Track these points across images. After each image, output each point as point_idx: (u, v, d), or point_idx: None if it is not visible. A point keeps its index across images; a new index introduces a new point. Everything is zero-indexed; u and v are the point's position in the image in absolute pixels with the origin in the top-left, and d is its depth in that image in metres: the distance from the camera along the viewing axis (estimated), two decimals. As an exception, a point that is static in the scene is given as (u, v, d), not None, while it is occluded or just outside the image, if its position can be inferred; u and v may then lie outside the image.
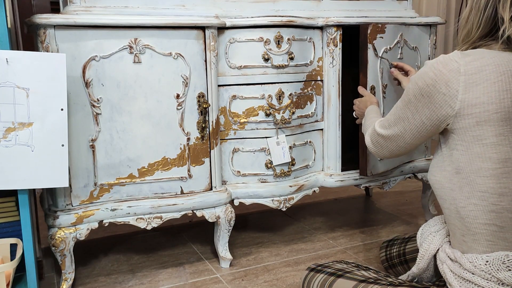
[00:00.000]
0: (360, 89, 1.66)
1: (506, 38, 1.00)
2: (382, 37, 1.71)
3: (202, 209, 1.58)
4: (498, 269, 0.96)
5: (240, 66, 1.58)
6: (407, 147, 1.17)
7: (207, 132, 1.56)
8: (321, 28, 1.71)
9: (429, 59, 1.91)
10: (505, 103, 0.96)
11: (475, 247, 1.02)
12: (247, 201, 1.66)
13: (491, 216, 0.99)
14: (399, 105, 1.14)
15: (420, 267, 1.16)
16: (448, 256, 1.08)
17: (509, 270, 0.96)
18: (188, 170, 1.55)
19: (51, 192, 1.46)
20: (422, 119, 1.07)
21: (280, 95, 1.62)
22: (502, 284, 0.96)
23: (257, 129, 1.63)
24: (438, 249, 1.13)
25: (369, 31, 1.65)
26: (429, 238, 1.17)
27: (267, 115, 1.62)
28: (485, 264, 0.98)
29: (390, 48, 1.74)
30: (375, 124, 1.27)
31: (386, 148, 1.22)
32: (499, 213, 0.99)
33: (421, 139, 1.13)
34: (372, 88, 1.70)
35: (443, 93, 1.00)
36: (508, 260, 0.96)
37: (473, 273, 1.00)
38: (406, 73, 1.67)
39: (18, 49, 1.73)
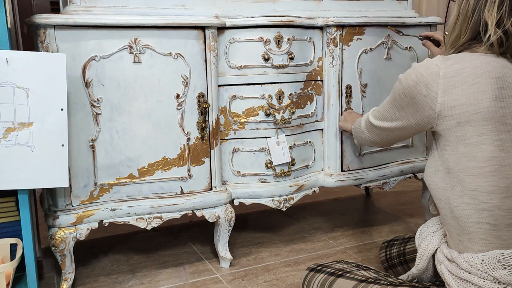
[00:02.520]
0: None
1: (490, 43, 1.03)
2: (361, 39, 1.74)
3: (202, 209, 1.58)
4: (493, 268, 0.97)
5: (240, 66, 1.58)
6: (397, 139, 1.25)
7: (207, 132, 1.56)
8: (321, 28, 1.71)
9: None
10: (484, 103, 0.99)
11: (470, 247, 1.03)
12: (247, 201, 1.66)
13: (483, 215, 1.00)
14: (389, 100, 1.18)
15: (419, 268, 1.16)
16: (446, 257, 1.08)
17: (505, 268, 0.96)
18: (188, 170, 1.55)
19: (51, 192, 1.46)
20: (408, 117, 1.12)
21: (280, 95, 1.62)
22: (498, 282, 0.96)
23: (257, 129, 1.63)
24: (436, 250, 1.14)
25: (344, 33, 1.70)
26: (427, 239, 1.17)
27: (267, 115, 1.62)
28: (481, 263, 0.99)
29: (371, 48, 1.77)
30: (369, 112, 1.32)
31: (378, 136, 1.28)
32: (490, 211, 1.00)
33: (409, 134, 1.19)
34: (348, 87, 1.74)
35: (424, 95, 1.04)
36: (504, 259, 0.97)
37: (469, 273, 1.00)
38: (437, 42, 1.63)
39: (18, 49, 1.73)
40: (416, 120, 1.10)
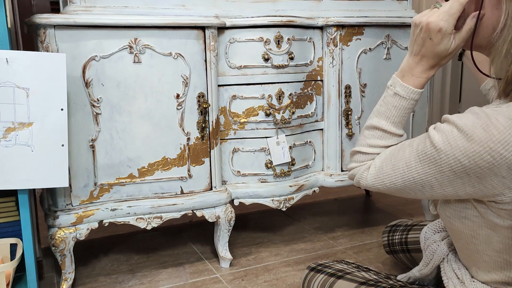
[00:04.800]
0: None
1: None
2: (360, 39, 1.75)
3: (202, 209, 1.58)
4: None
5: (240, 66, 1.58)
6: (416, 198, 0.98)
7: (207, 132, 1.56)
8: (321, 28, 1.71)
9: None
10: None
11: (486, 279, 0.96)
12: (247, 201, 1.66)
13: None
14: (418, 168, 0.89)
15: (422, 273, 1.13)
16: (455, 273, 1.02)
17: None
18: (188, 170, 1.55)
19: (51, 192, 1.46)
20: (458, 192, 0.86)
21: (280, 95, 1.62)
22: None
23: (257, 129, 1.63)
24: (443, 258, 1.10)
25: (343, 33, 1.70)
26: (433, 247, 1.11)
27: (267, 115, 1.62)
28: None
29: (370, 49, 1.77)
30: (369, 172, 1.00)
31: (381, 192, 1.03)
32: None
33: (442, 198, 0.94)
34: (348, 88, 1.74)
35: (503, 176, 0.80)
36: None
37: None
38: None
39: (18, 49, 1.73)
40: (470, 196, 0.86)
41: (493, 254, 0.91)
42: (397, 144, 1.00)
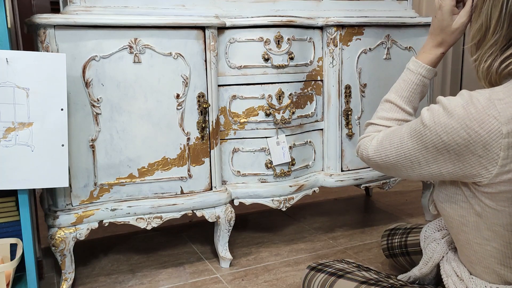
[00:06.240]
0: None
1: None
2: (360, 39, 1.75)
3: (202, 209, 1.58)
4: None
5: (240, 66, 1.58)
6: (409, 178, 1.03)
7: (207, 132, 1.56)
8: (321, 28, 1.71)
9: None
10: None
11: (483, 276, 0.97)
12: (247, 201, 1.66)
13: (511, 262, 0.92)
14: (408, 143, 0.94)
15: (422, 272, 1.13)
16: (454, 270, 1.03)
17: None
18: (188, 170, 1.55)
19: (51, 192, 1.46)
20: (441, 170, 0.90)
21: (280, 95, 1.62)
22: None
23: (257, 129, 1.63)
24: (442, 256, 1.10)
25: (343, 33, 1.70)
26: (432, 246, 1.12)
27: (267, 115, 1.62)
28: None
29: (370, 49, 1.77)
30: (371, 144, 1.04)
31: (380, 170, 1.07)
32: None
33: (431, 179, 0.98)
34: (347, 88, 1.74)
35: (479, 155, 0.83)
36: None
37: None
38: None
39: (18, 49, 1.73)
40: (452, 175, 0.89)
41: (483, 243, 0.93)
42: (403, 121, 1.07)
